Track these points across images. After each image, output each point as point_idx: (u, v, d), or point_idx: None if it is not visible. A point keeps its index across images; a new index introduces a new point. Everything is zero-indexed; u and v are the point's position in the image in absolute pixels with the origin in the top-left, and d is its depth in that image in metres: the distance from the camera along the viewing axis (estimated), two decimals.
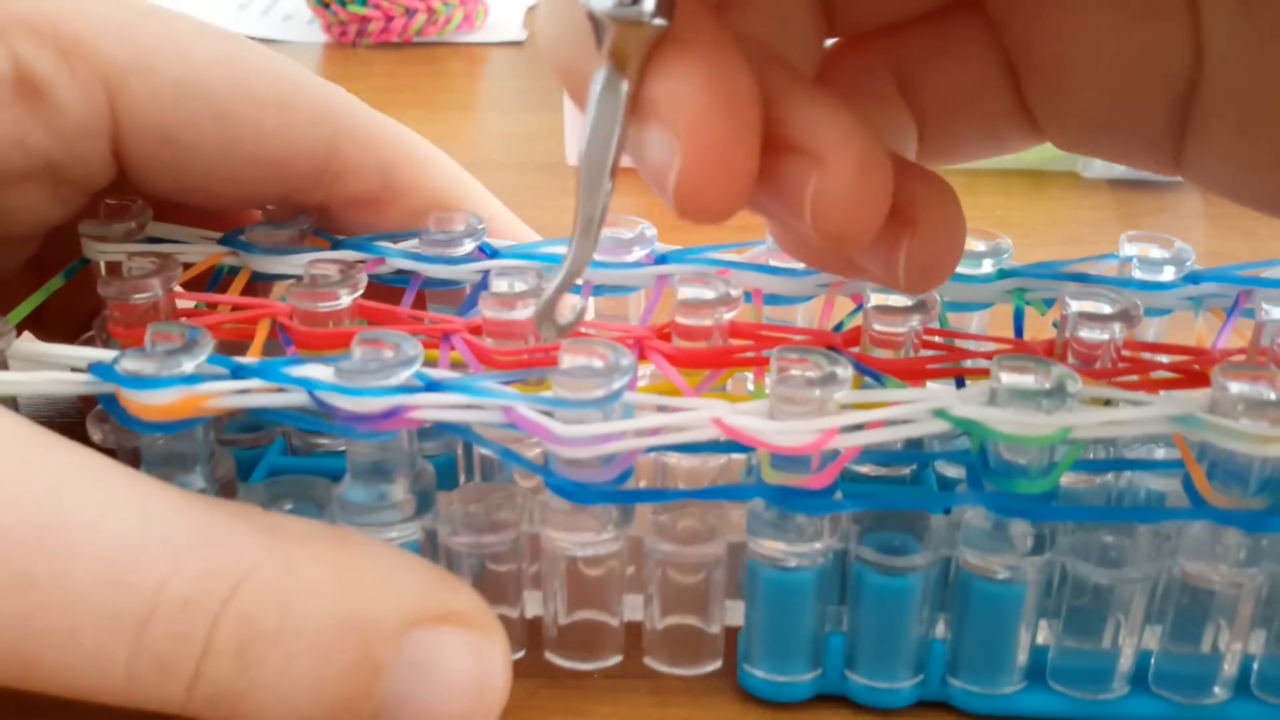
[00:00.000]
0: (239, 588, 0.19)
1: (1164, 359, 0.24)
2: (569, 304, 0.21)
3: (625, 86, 0.17)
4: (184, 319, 0.25)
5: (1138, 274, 0.26)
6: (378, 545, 0.21)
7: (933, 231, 0.20)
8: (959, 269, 0.26)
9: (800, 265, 0.26)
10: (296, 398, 0.21)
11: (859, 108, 0.19)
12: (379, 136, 0.26)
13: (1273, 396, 0.20)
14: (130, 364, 0.20)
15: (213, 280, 0.27)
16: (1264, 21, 0.19)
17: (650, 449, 0.22)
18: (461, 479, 0.25)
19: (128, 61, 0.24)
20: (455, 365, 0.23)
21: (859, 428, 0.20)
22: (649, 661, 0.23)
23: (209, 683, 0.19)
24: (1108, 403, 0.21)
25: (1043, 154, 0.45)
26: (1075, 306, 0.23)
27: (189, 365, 0.20)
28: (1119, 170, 0.44)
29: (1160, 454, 0.24)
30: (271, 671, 0.19)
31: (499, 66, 0.63)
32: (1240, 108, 0.20)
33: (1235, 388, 0.20)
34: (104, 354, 0.21)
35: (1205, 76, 0.20)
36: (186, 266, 0.26)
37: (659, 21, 0.17)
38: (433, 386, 0.21)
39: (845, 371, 0.20)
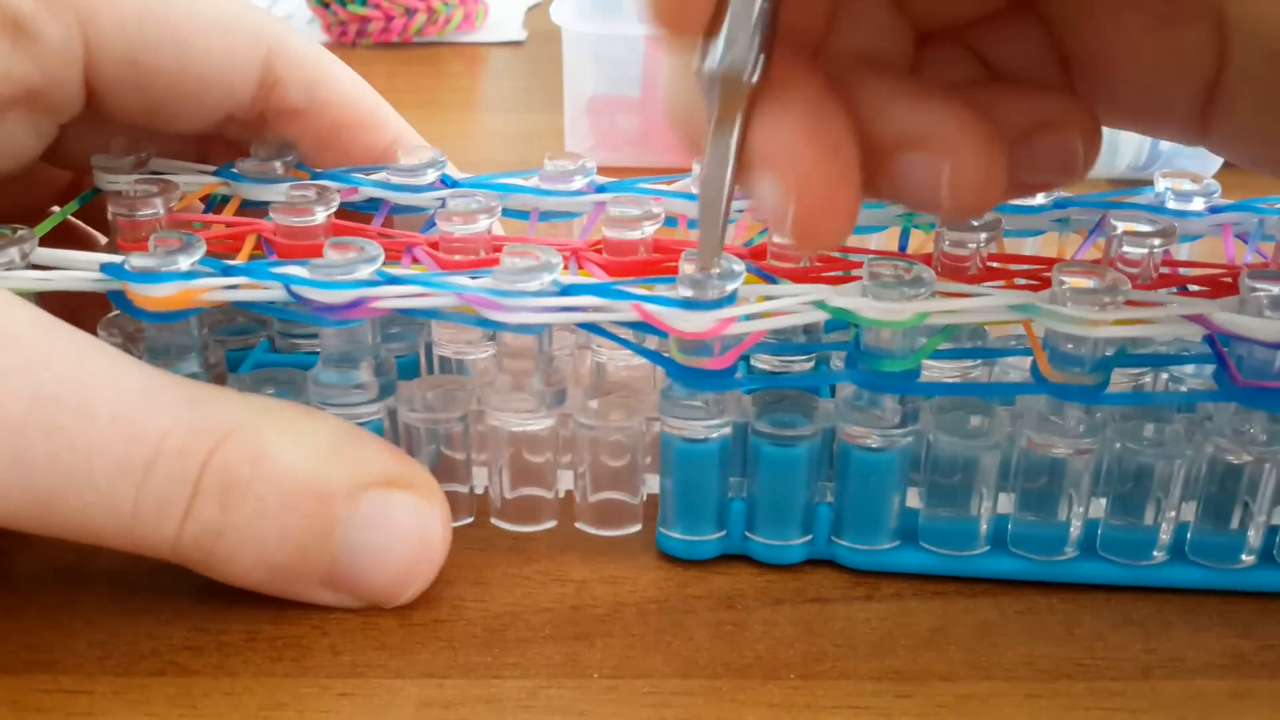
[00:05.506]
0: (221, 442, 0.22)
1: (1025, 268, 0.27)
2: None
3: (734, 137, 0.20)
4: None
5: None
6: (338, 421, 0.25)
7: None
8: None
9: None
10: (276, 293, 0.24)
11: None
12: (306, 56, 0.30)
13: (1098, 285, 0.23)
14: (136, 261, 0.24)
15: (207, 208, 0.30)
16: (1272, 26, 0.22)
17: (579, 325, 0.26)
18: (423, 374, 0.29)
19: None
20: None
21: (754, 317, 0.24)
22: (580, 526, 0.27)
23: (196, 520, 0.22)
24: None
25: None
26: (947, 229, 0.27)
27: (185, 263, 0.24)
28: None
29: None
30: (246, 514, 0.23)
31: (499, 66, 0.64)
32: (1257, 93, 0.23)
33: (1068, 280, 0.23)
34: (114, 257, 0.25)
35: (1226, 68, 0.23)
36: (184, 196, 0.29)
37: (756, 78, 0.20)
38: (393, 280, 0.24)
39: (740, 267, 0.24)
